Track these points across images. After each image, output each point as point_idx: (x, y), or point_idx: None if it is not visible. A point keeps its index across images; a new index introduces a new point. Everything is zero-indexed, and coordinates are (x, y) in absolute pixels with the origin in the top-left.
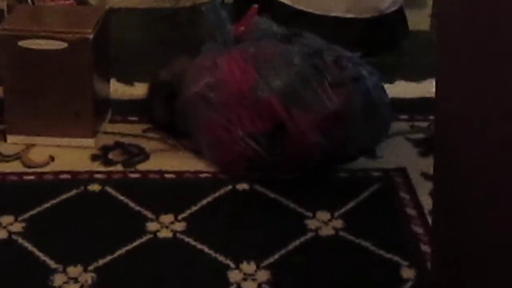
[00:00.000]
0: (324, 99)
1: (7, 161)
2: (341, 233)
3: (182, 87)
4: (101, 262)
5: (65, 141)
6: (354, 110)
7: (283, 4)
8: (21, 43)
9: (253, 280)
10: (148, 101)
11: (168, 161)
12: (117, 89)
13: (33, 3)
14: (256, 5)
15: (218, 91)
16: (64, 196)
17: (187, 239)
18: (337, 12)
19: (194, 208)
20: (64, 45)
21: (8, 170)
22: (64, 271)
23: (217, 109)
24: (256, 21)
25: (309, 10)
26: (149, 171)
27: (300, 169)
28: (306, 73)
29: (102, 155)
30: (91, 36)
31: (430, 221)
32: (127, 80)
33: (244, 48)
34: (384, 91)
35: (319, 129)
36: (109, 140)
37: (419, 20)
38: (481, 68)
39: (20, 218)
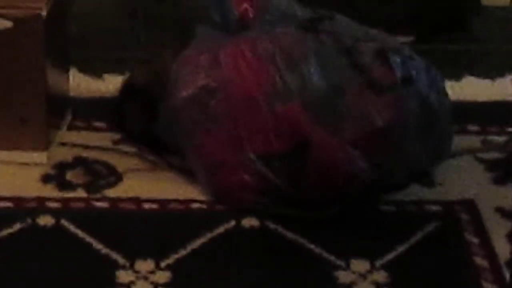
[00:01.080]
0: (365, 111)
1: None
2: None
3: (168, 90)
4: None
5: (7, 155)
6: (405, 124)
7: None
8: None
9: None
10: (120, 106)
11: (147, 185)
12: (79, 84)
13: None
14: None
15: (220, 97)
16: (4, 232)
17: None
18: None
19: (182, 252)
20: (7, 24)
21: None
22: None
23: (218, 120)
24: None
25: None
26: (121, 199)
27: (330, 205)
28: (340, 75)
29: (57, 175)
30: (43, 12)
31: (507, 275)
32: (93, 71)
33: (255, 38)
34: (446, 93)
35: (357, 151)
36: (67, 155)
37: None
38: None
39: None
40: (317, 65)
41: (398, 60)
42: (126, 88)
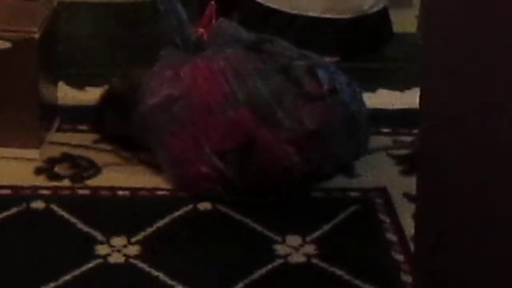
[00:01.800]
0: (299, 116)
1: None
2: (313, 260)
3: (139, 98)
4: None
5: (6, 151)
6: (331, 127)
7: (254, 2)
8: None
9: None
10: (100, 112)
11: (121, 176)
12: (66, 94)
13: None
14: (213, 2)
15: (182, 104)
16: (4, 214)
17: (140, 265)
18: (314, 11)
19: (149, 230)
20: (6, 44)
21: None
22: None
23: (181, 123)
24: (220, 24)
25: (283, 9)
26: (100, 187)
27: (272, 192)
28: (278, 87)
29: (47, 168)
30: (37, 35)
31: (412, 247)
32: (78, 84)
33: (210, 57)
34: (363, 102)
35: (293, 148)
36: (55, 152)
37: (405, 21)
38: (470, 78)
39: None
40: (260, 79)
41: (325, 75)
42: (105, 97)
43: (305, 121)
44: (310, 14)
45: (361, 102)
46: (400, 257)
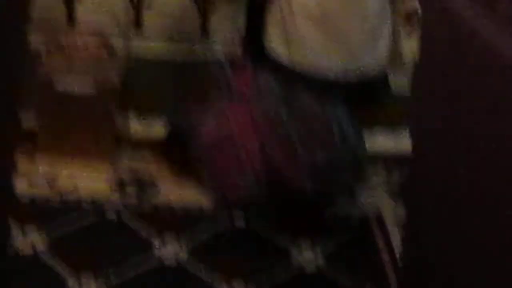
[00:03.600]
0: (314, 155)
1: (37, 186)
2: (322, 269)
3: (194, 134)
4: (114, 282)
5: (89, 171)
6: (339, 162)
7: (283, 62)
8: (55, 85)
9: None
10: (166, 144)
11: (177, 194)
12: (136, 129)
13: (68, 52)
14: (250, 64)
15: (229, 141)
16: (85, 221)
17: (189, 267)
18: (330, 72)
19: (198, 239)
20: (92, 90)
21: (36, 194)
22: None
23: (227, 155)
24: (257, 79)
25: (306, 69)
26: (160, 203)
27: (290, 210)
28: (301, 133)
29: (120, 186)
30: (116, 84)
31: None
32: (145, 121)
33: (250, 106)
34: (365, 146)
35: (308, 179)
36: (126, 173)
37: (401, 84)
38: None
39: (45, 238)
40: (286, 124)
41: (337, 124)
42: (172, 131)
43: (319, 159)
44: (328, 74)
45: (363, 145)
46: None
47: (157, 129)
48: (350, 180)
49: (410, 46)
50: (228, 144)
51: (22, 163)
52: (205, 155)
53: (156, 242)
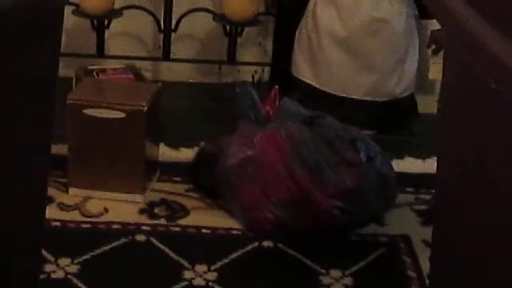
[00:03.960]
0: (342, 178)
1: (68, 211)
2: None
3: (221, 159)
4: None
5: (118, 196)
6: (367, 186)
7: (309, 85)
8: (85, 111)
9: None
10: (194, 168)
11: (205, 218)
12: (164, 153)
13: (98, 76)
14: (277, 87)
15: (253, 164)
16: (114, 244)
17: (217, 286)
18: (357, 95)
19: (225, 261)
20: (122, 114)
21: (67, 218)
22: None
23: (252, 179)
24: (284, 102)
25: (332, 92)
26: (188, 226)
27: (319, 234)
28: (326, 155)
29: (149, 210)
30: (145, 108)
31: (427, 283)
32: (174, 145)
33: (275, 128)
34: (392, 167)
35: (336, 202)
36: (155, 197)
37: (428, 104)
38: (474, 154)
39: (76, 261)
40: (313, 147)
41: (362, 145)
42: (199, 155)
43: (346, 182)
44: (354, 96)
45: (390, 166)
46: None
47: (185, 153)
48: (378, 201)
49: (437, 67)
50: (254, 168)
51: (53, 189)
52: (230, 178)
53: (185, 263)
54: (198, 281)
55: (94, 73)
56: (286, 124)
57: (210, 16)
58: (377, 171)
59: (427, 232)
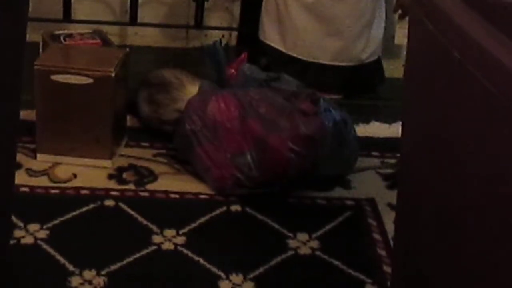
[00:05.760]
0: (296, 124)
1: (36, 176)
2: (317, 253)
3: (179, 122)
4: (112, 267)
5: (87, 161)
6: (322, 135)
7: (277, 50)
8: (53, 77)
9: None
10: (136, 101)
11: (173, 182)
12: (132, 118)
13: (65, 41)
14: (246, 52)
15: (208, 125)
16: (83, 209)
17: (186, 252)
18: (324, 59)
19: (193, 225)
20: (89, 80)
21: (36, 184)
22: (80, 274)
23: (209, 140)
24: (243, 66)
25: (300, 57)
26: (156, 191)
27: (278, 183)
28: (283, 107)
29: (117, 175)
30: (113, 74)
31: (392, 245)
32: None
33: (233, 90)
34: (352, 126)
35: (291, 145)
36: (123, 162)
37: (394, 69)
38: (437, 119)
39: (45, 226)
40: (267, 103)
41: (321, 100)
42: (140, 86)
43: (301, 128)
44: (321, 61)
45: (349, 125)
46: (383, 252)
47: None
48: (335, 157)
49: (403, 32)
50: (210, 129)
51: (21, 155)
52: (189, 141)
53: (154, 227)
54: (167, 246)
55: (61, 38)
56: (244, 86)
57: None
58: (335, 124)
59: (393, 196)
